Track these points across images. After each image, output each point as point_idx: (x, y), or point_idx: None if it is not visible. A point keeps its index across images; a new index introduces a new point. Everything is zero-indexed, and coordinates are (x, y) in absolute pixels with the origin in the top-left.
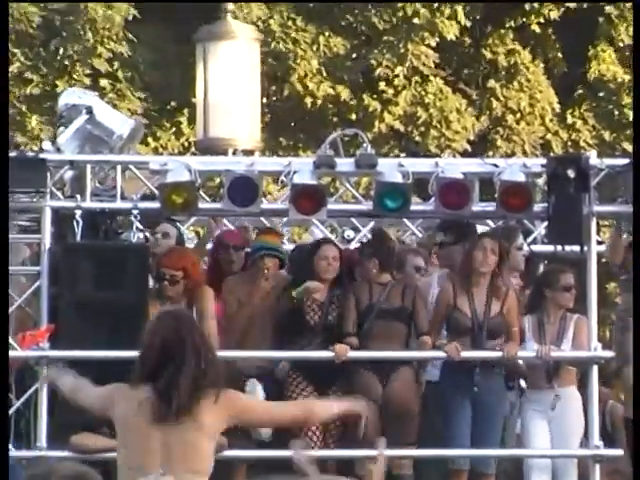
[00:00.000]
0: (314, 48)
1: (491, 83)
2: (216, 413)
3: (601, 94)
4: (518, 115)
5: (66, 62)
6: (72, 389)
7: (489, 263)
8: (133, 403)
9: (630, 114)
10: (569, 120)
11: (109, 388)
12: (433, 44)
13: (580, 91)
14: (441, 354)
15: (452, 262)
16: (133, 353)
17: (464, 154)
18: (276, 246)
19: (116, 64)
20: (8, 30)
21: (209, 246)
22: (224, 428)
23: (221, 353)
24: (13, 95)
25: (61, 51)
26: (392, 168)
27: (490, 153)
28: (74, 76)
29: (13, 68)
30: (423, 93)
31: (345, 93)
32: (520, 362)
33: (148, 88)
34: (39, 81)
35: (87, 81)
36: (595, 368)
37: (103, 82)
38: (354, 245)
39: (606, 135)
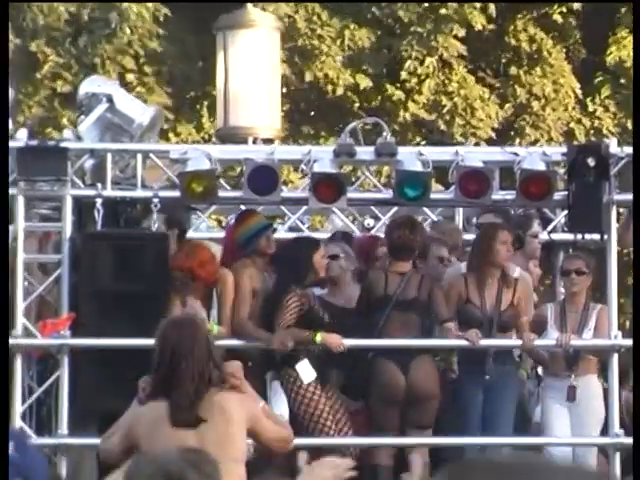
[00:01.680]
0: (338, 42)
1: (513, 70)
2: (240, 410)
3: (622, 81)
4: (543, 101)
5: (96, 60)
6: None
7: (508, 256)
8: (156, 418)
9: None
10: (590, 108)
11: (124, 418)
12: (462, 34)
13: (600, 78)
14: (462, 342)
15: None
16: (152, 341)
17: (489, 142)
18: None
19: (142, 59)
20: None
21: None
22: (246, 423)
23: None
24: (43, 94)
25: (90, 49)
26: (412, 157)
27: (517, 140)
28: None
29: (47, 68)
30: (447, 82)
31: (365, 82)
32: (541, 350)
33: (173, 82)
34: (70, 79)
35: (114, 77)
36: (615, 356)
37: (130, 77)
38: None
39: (628, 123)
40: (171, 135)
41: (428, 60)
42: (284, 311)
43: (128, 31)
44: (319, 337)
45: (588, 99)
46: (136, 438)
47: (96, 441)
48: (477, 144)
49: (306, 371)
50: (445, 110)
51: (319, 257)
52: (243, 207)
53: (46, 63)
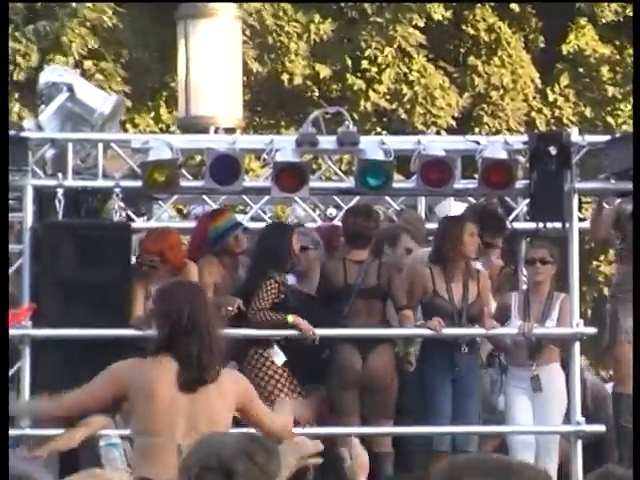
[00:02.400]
0: (305, 37)
1: (472, 60)
2: (234, 387)
3: (580, 70)
4: (501, 91)
5: (48, 43)
6: (62, 405)
7: (475, 248)
8: (156, 373)
9: (610, 90)
10: (550, 97)
11: (113, 371)
12: (421, 25)
13: (560, 67)
14: (424, 331)
15: None
16: (114, 331)
17: (449, 130)
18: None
19: (100, 45)
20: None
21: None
22: (235, 408)
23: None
24: None
25: (47, 32)
26: (374, 146)
27: (476, 130)
28: (56, 59)
29: None
30: (407, 71)
31: (325, 71)
32: (504, 339)
33: (131, 69)
34: (26, 65)
35: (71, 63)
36: (577, 344)
37: (87, 64)
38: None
39: (587, 111)
40: (129, 126)
41: (387, 50)
42: (261, 295)
43: (85, 12)
44: (291, 318)
45: (548, 88)
46: (125, 389)
47: (57, 432)
48: (438, 133)
49: (278, 354)
50: (406, 99)
51: (294, 242)
52: (205, 197)
53: None
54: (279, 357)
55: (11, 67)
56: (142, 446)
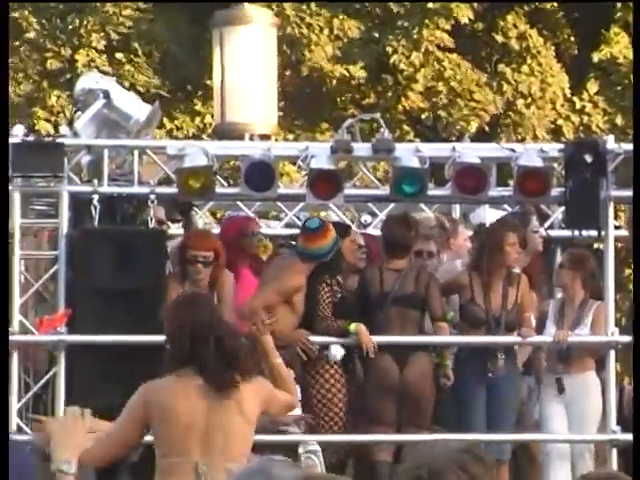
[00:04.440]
0: (326, 32)
1: (501, 67)
2: (252, 396)
3: (612, 77)
4: (529, 99)
5: (82, 32)
6: (93, 457)
7: (517, 258)
8: (174, 390)
9: None
10: (578, 105)
11: (138, 396)
12: (447, 28)
13: (591, 74)
14: (458, 339)
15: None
16: (150, 338)
17: (491, 124)
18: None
19: (132, 39)
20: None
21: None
22: (258, 413)
23: None
24: (32, 69)
25: (77, 22)
26: (409, 153)
27: (501, 137)
28: (89, 52)
29: (29, 36)
30: (442, 69)
31: (360, 73)
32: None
33: (163, 66)
34: (57, 52)
35: (104, 56)
36: (612, 353)
37: (119, 55)
38: (371, 230)
39: (618, 119)
40: (166, 120)
41: (414, 55)
42: (320, 302)
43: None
44: (353, 327)
45: (576, 96)
46: (148, 415)
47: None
48: (480, 128)
49: (338, 350)
50: (442, 95)
51: (348, 243)
52: (240, 203)
53: (28, 32)
54: (339, 352)
55: (46, 55)
56: (162, 467)
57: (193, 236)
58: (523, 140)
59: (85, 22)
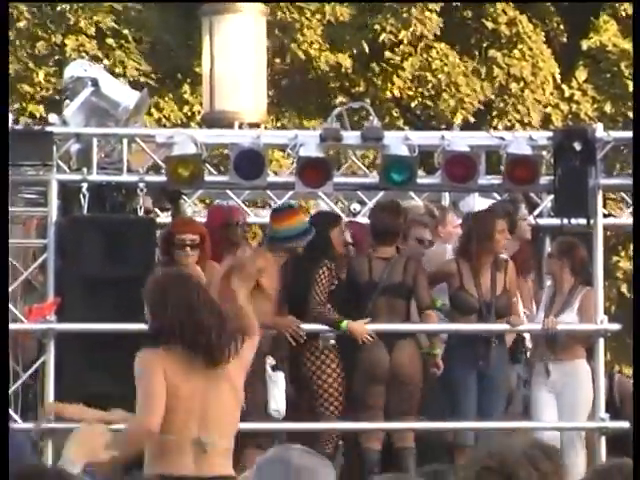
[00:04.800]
0: (318, 17)
1: (492, 53)
2: (239, 371)
3: (601, 65)
4: (522, 83)
5: (71, 17)
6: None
7: (506, 244)
8: (171, 365)
9: (631, 85)
10: (567, 93)
11: (153, 362)
12: (437, 9)
13: (580, 62)
14: (449, 326)
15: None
16: (139, 326)
17: (477, 115)
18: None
19: (122, 25)
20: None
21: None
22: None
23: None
24: (22, 52)
25: (67, 8)
26: (398, 141)
27: (496, 122)
28: (78, 37)
29: (20, 25)
30: (430, 59)
31: (348, 62)
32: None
33: (153, 53)
34: (47, 39)
35: (94, 41)
36: (601, 341)
37: (109, 41)
38: (360, 219)
39: (607, 107)
40: (153, 110)
41: (402, 33)
42: (317, 288)
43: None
44: (344, 324)
45: (564, 84)
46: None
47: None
48: (465, 120)
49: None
50: (430, 86)
51: (338, 233)
52: (229, 191)
53: (20, 22)
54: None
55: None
56: (158, 443)
57: (178, 222)
58: (516, 125)
59: (75, 7)
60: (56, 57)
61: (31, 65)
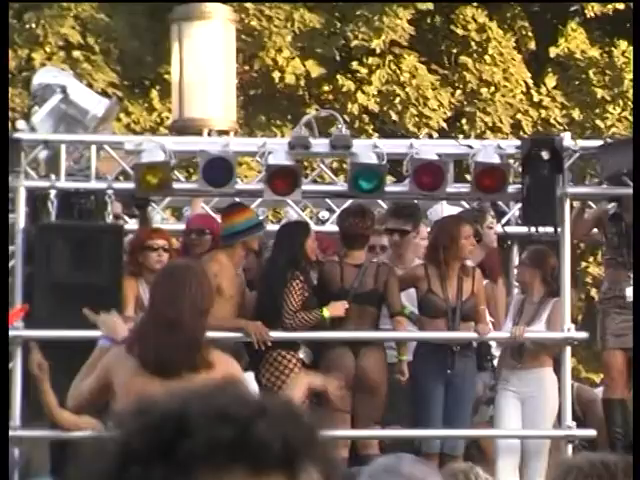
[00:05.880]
0: (289, 25)
1: (463, 59)
2: (222, 372)
3: (569, 72)
4: (492, 88)
5: (38, 31)
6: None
7: (471, 250)
8: (133, 364)
9: (599, 92)
10: (535, 98)
11: (105, 360)
12: (408, 17)
13: (549, 69)
14: (416, 334)
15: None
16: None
17: (440, 132)
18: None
19: (89, 36)
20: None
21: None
22: None
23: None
24: None
25: (34, 21)
26: (367, 149)
27: (467, 127)
28: (46, 48)
29: None
30: (398, 72)
31: (316, 71)
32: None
33: (121, 61)
34: (13, 55)
35: (61, 53)
36: (568, 349)
37: (76, 54)
38: (328, 226)
39: (575, 114)
40: (122, 115)
41: (375, 42)
42: (291, 297)
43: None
44: (326, 312)
45: (533, 90)
46: (110, 380)
47: (48, 433)
48: (429, 135)
49: (307, 354)
50: (397, 100)
51: (310, 241)
52: (200, 199)
53: None
54: (307, 357)
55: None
56: None
57: (144, 231)
58: (486, 132)
59: (42, 21)
60: (23, 74)
61: None
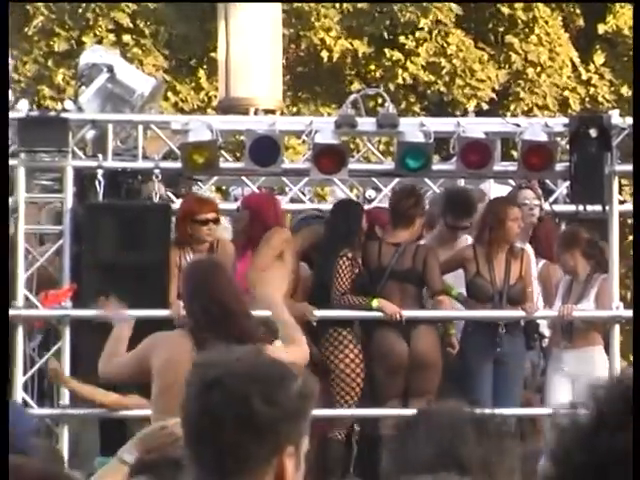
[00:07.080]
0: (337, 6)
1: (509, 38)
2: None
3: (618, 49)
4: (539, 68)
5: (89, 15)
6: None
7: (519, 233)
8: (180, 349)
9: None
10: (584, 76)
11: (148, 339)
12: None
13: (597, 46)
14: (460, 313)
15: None
16: (155, 312)
17: (491, 102)
18: None
19: (139, 19)
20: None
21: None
22: None
23: None
24: (38, 51)
25: (84, 5)
26: (414, 128)
27: (512, 107)
28: (96, 31)
29: (37, 22)
30: (445, 45)
31: (363, 48)
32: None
33: (169, 43)
34: (65, 35)
35: (111, 36)
36: (617, 327)
37: (126, 37)
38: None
39: (624, 90)
40: (170, 94)
41: (423, 21)
42: (339, 277)
43: None
44: (375, 302)
45: (582, 67)
46: (149, 363)
47: (97, 411)
48: (478, 106)
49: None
50: (444, 72)
51: (364, 220)
52: (244, 178)
53: (36, 18)
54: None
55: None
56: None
57: (195, 201)
58: (533, 109)
59: (93, 5)
60: (75, 58)
61: (50, 64)
